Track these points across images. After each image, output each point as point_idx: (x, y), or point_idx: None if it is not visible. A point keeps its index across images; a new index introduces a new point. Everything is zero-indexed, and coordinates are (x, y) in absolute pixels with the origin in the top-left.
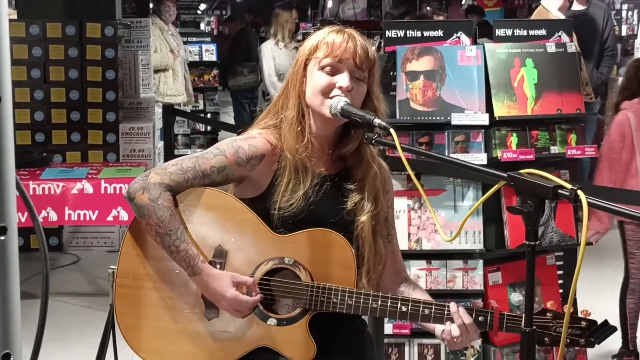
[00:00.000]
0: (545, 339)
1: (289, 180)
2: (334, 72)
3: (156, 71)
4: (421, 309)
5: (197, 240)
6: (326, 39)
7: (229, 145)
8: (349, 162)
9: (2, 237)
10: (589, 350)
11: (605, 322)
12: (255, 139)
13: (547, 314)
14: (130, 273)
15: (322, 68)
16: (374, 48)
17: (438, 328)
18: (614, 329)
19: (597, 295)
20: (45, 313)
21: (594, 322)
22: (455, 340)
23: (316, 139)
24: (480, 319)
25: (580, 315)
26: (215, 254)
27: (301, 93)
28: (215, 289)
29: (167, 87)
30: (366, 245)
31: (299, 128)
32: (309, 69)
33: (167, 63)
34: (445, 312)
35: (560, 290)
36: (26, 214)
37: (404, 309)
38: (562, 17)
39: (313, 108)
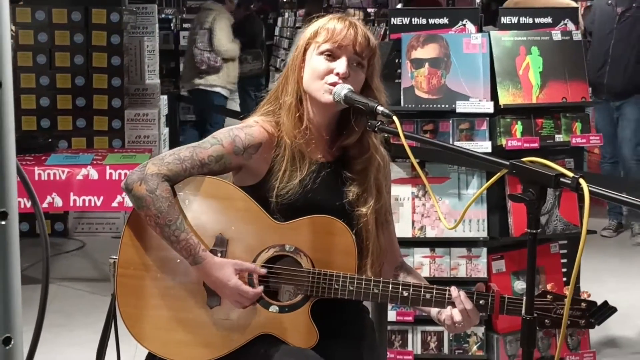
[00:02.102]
0: (546, 321)
1: (286, 167)
2: (332, 57)
3: (225, 59)
4: (422, 293)
5: (198, 229)
6: (327, 25)
7: (226, 135)
8: (351, 152)
9: (3, 222)
10: (591, 337)
11: (605, 303)
12: (252, 127)
13: (548, 296)
14: (132, 263)
15: (321, 53)
16: (380, 34)
17: (433, 311)
18: (614, 309)
19: (601, 284)
20: (45, 298)
21: (594, 303)
22: (456, 325)
23: (314, 125)
24: (481, 302)
25: (581, 296)
26: (216, 242)
27: (300, 79)
28: (218, 277)
29: (234, 74)
30: (371, 238)
31: (297, 114)
32: (308, 53)
33: (237, 50)
34: (447, 296)
35: (564, 279)
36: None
37: (405, 293)
38: (573, 3)
39: (310, 93)
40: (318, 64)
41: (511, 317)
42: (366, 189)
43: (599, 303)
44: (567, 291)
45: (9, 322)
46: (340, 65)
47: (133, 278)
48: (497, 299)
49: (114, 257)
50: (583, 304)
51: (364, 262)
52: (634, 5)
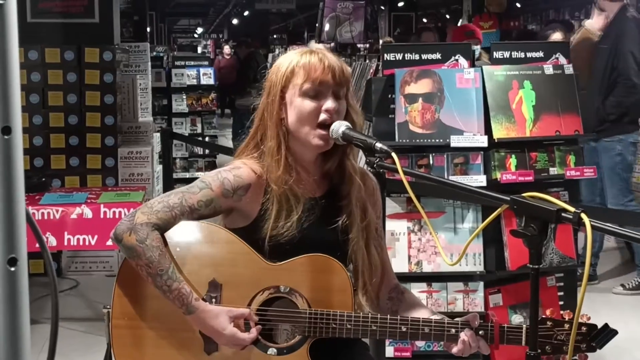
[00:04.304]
0: (547, 347)
1: (280, 208)
2: (316, 95)
3: None
4: (420, 327)
5: (190, 275)
6: (301, 62)
7: (214, 178)
8: (334, 180)
9: (13, 268)
10: None
11: (606, 325)
12: (240, 168)
13: (547, 322)
14: (125, 313)
15: (304, 94)
16: (371, 70)
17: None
18: (615, 332)
19: (596, 317)
20: (54, 344)
21: (595, 326)
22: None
23: (300, 164)
24: (480, 333)
25: (580, 320)
26: (209, 288)
27: (279, 122)
28: (213, 326)
29: None
30: (359, 259)
31: (283, 156)
32: (288, 97)
33: None
34: (445, 329)
35: (562, 312)
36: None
37: (403, 329)
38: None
39: (299, 137)
40: (304, 105)
41: (509, 350)
42: (352, 211)
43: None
44: (567, 315)
45: None
46: (328, 102)
47: (128, 329)
48: (497, 328)
49: (108, 306)
50: (584, 328)
51: (355, 284)
52: (611, 34)
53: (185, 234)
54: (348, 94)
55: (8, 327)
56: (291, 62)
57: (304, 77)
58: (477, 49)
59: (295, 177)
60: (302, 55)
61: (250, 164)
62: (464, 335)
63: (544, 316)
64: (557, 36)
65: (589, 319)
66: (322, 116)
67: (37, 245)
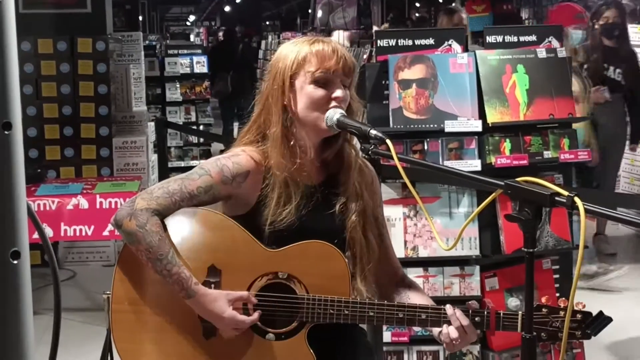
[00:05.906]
0: (542, 334)
1: (280, 194)
2: (326, 83)
3: None
4: (417, 313)
5: (190, 261)
6: (314, 50)
7: (213, 165)
8: (332, 167)
9: (15, 262)
10: (586, 354)
11: (601, 313)
12: (239, 156)
13: (543, 309)
14: (126, 298)
15: (314, 82)
16: (365, 56)
17: (435, 330)
18: (610, 319)
19: (591, 297)
20: (57, 335)
21: (590, 313)
22: (454, 342)
23: (304, 151)
24: (476, 319)
25: (575, 307)
26: (208, 273)
27: (284, 107)
28: (212, 310)
29: None
30: (357, 244)
31: (287, 143)
32: (298, 83)
33: None
34: (442, 315)
35: (557, 294)
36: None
37: (400, 315)
38: None
39: (308, 122)
40: (316, 93)
41: (506, 334)
42: (349, 197)
43: (594, 313)
44: (562, 303)
45: None
46: (338, 91)
47: (128, 313)
48: (493, 315)
49: (108, 292)
50: (579, 315)
51: (352, 270)
52: None
53: (185, 220)
54: (352, 83)
55: (12, 320)
56: (302, 49)
57: (316, 65)
58: (579, 34)
59: (297, 163)
60: (313, 43)
61: (249, 152)
62: (446, 328)
63: (539, 303)
64: (610, 13)
65: (584, 306)
66: (333, 104)
67: (37, 235)
